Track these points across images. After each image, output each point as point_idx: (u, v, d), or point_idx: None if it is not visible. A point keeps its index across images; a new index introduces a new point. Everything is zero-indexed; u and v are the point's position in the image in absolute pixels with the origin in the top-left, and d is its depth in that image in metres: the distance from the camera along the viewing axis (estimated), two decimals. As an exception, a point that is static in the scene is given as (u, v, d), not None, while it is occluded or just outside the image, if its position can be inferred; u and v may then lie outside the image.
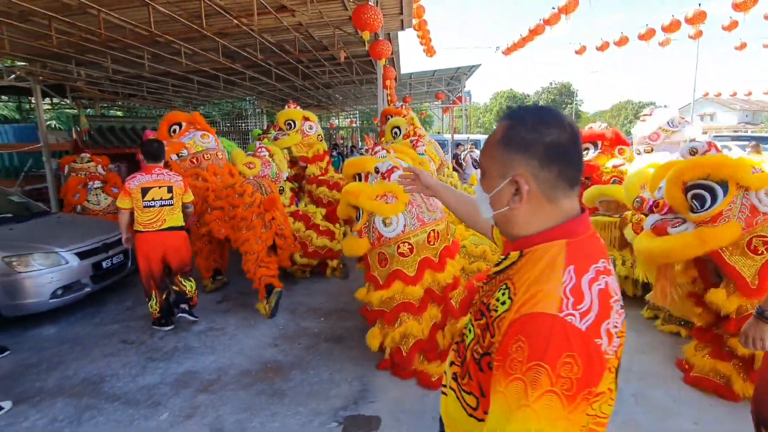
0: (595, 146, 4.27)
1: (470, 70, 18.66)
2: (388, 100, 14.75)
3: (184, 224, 3.80)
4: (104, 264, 4.23)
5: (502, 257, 0.89)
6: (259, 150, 4.90)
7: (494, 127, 0.87)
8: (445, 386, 1.01)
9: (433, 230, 2.84)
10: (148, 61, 10.03)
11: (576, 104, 47.20)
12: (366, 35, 5.52)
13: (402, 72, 17.09)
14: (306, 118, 5.51)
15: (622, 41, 11.79)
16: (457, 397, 0.92)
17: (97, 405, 2.67)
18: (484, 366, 0.81)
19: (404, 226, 2.77)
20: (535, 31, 10.83)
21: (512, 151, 0.80)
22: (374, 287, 2.89)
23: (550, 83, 50.94)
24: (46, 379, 2.98)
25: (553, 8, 9.52)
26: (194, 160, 4.39)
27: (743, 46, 13.13)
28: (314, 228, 4.82)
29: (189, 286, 3.81)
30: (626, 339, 0.79)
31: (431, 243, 2.84)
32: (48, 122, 14.70)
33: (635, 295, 3.92)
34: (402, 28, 9.13)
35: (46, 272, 3.71)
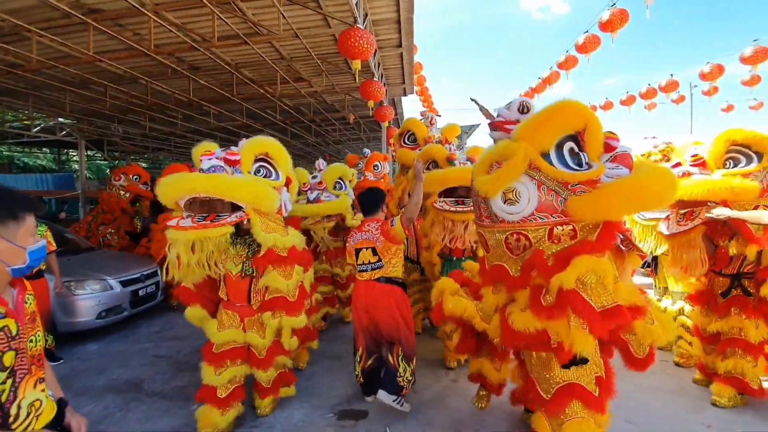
0: None
1: (470, 129, 20.06)
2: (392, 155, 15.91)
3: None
4: (140, 292, 4.93)
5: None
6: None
7: None
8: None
9: None
10: (181, 120, 11.34)
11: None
12: (370, 104, 6.56)
13: (406, 130, 18.37)
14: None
15: (629, 100, 12.14)
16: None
17: (139, 398, 3.25)
18: None
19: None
20: (536, 90, 11.12)
21: None
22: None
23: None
24: (96, 381, 3.58)
25: (551, 67, 9.97)
26: None
27: (730, 108, 13.62)
28: None
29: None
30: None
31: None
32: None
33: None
34: (405, 94, 10.35)
35: (95, 296, 4.41)
